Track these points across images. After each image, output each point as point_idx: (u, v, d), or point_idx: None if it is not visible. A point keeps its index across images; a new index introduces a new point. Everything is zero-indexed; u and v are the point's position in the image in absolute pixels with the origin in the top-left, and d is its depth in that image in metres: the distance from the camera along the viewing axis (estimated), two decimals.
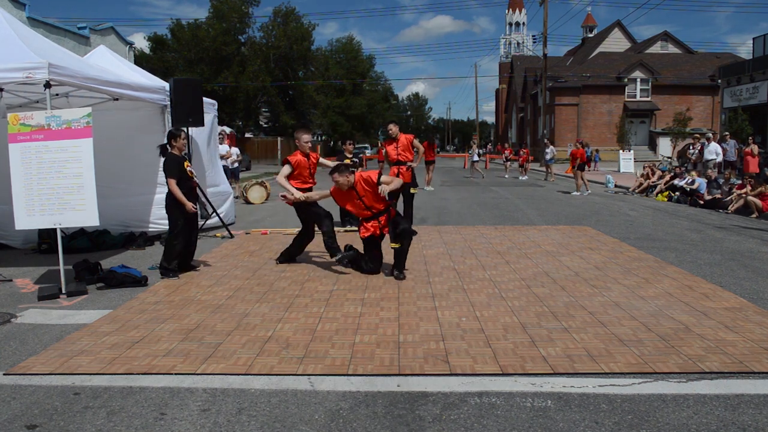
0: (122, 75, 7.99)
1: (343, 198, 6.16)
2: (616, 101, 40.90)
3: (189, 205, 6.11)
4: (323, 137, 53.79)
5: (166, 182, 6.12)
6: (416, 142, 9.50)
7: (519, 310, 4.80)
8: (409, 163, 9.30)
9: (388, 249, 6.16)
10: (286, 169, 6.54)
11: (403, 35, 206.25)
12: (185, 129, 6.55)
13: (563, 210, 12.32)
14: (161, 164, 8.48)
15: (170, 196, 6.14)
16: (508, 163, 26.11)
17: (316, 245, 7.74)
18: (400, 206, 9.80)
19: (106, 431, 2.91)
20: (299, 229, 7.04)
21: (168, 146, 6.29)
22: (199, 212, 6.49)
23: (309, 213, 6.67)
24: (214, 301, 5.22)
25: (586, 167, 25.71)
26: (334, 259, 6.53)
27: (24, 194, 5.46)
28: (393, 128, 9.51)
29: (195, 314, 4.82)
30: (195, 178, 6.50)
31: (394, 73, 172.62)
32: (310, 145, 6.68)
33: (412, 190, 9.47)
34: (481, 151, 26.59)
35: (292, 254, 6.94)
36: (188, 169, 6.30)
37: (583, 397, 3.21)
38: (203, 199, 6.75)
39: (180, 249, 6.24)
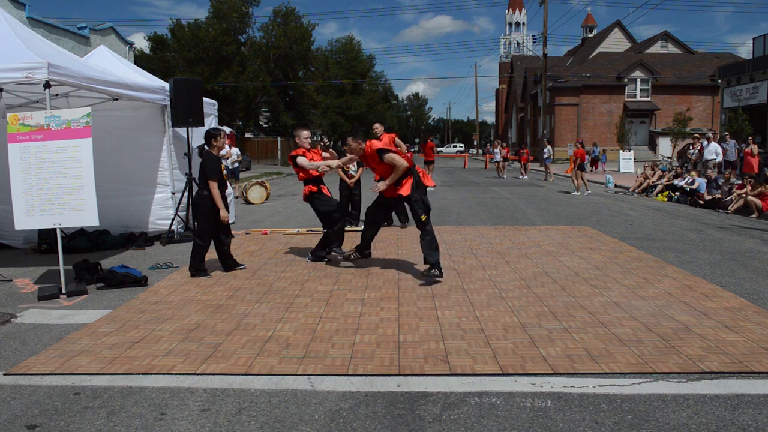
0: (122, 75, 7.99)
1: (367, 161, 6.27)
2: (616, 101, 40.88)
3: (224, 213, 6.03)
4: (323, 137, 53.74)
5: (206, 184, 5.96)
6: (398, 140, 9.53)
7: (519, 310, 4.79)
8: None
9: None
10: (302, 158, 6.64)
11: (403, 35, 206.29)
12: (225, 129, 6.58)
13: (563, 210, 12.32)
14: (159, 163, 8.56)
15: (204, 198, 6.00)
16: (506, 163, 25.80)
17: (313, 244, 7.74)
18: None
19: (106, 431, 2.91)
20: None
21: (207, 146, 6.16)
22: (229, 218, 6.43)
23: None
24: (214, 301, 5.22)
25: (593, 167, 25.73)
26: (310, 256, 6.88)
27: (24, 194, 5.46)
28: (378, 127, 9.61)
29: (195, 314, 4.82)
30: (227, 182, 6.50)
31: (394, 73, 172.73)
32: (309, 141, 6.86)
33: None
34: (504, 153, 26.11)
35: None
36: (224, 172, 6.20)
37: (583, 397, 3.21)
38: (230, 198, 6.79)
39: (206, 250, 6.21)
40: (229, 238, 6.48)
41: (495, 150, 25.42)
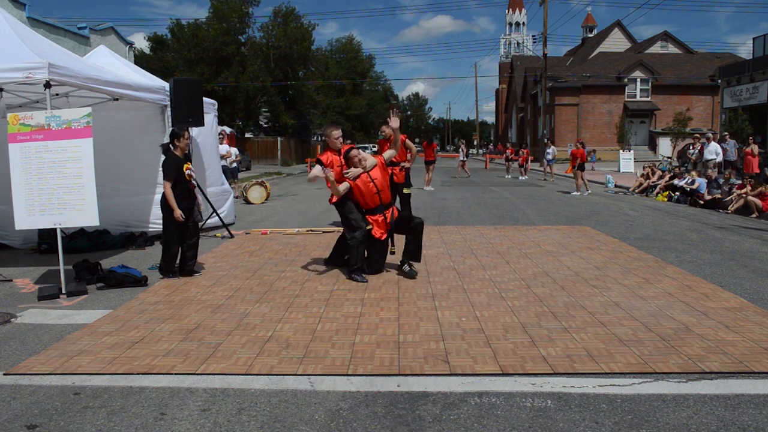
0: (122, 75, 7.98)
1: (358, 186, 6.02)
2: (616, 101, 40.89)
3: (177, 212, 5.93)
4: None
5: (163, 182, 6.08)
6: (408, 142, 9.55)
7: (519, 310, 4.80)
8: (402, 164, 9.38)
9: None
10: (317, 170, 6.14)
11: (403, 35, 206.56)
12: (188, 129, 6.48)
13: (563, 210, 12.32)
14: (161, 163, 8.56)
15: (163, 198, 6.05)
16: (509, 162, 26.10)
17: (316, 246, 7.74)
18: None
19: (106, 431, 2.91)
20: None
21: (171, 146, 6.16)
22: (200, 215, 6.37)
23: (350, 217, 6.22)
24: (214, 301, 5.22)
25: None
26: (347, 277, 6.12)
27: (24, 194, 5.46)
28: (386, 129, 9.59)
29: (195, 314, 4.82)
30: (194, 181, 6.34)
31: (394, 73, 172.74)
32: (341, 141, 6.24)
33: (406, 191, 9.50)
34: (467, 152, 26.06)
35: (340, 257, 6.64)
36: (187, 171, 6.12)
37: (583, 397, 3.21)
38: (201, 199, 6.66)
39: (175, 250, 6.16)
40: (194, 241, 6.30)
41: (460, 150, 25.35)
